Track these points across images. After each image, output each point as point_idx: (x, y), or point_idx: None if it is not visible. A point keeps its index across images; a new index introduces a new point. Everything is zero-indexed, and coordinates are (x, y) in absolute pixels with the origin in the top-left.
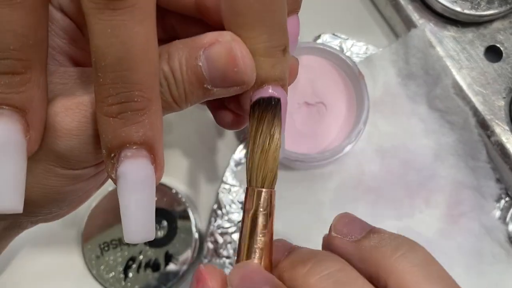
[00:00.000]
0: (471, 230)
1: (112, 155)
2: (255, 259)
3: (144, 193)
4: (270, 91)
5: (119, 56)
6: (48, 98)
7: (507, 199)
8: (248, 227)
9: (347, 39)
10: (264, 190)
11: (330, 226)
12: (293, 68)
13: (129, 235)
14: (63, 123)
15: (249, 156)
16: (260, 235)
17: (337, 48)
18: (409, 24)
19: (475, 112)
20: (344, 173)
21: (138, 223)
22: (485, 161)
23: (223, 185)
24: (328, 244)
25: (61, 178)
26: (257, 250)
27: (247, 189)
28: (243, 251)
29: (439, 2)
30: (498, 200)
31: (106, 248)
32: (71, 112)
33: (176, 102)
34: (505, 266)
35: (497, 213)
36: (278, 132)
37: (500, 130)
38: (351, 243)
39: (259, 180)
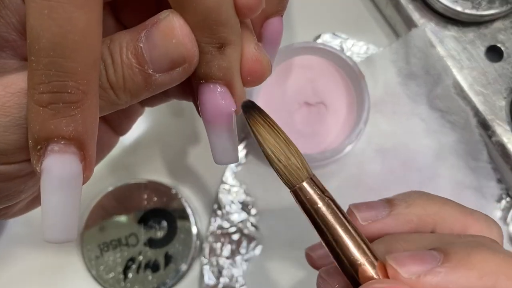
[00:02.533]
0: None
1: (39, 147)
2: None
3: (68, 191)
4: (211, 86)
5: (54, 41)
6: None
7: (508, 199)
8: (333, 227)
9: (348, 38)
10: (307, 180)
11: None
12: (252, 64)
13: (47, 235)
14: None
15: (273, 161)
16: (347, 224)
17: (338, 48)
18: (410, 24)
19: (476, 112)
20: (344, 173)
21: (58, 223)
22: (486, 161)
23: (223, 186)
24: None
25: None
26: (364, 248)
27: (294, 193)
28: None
29: (440, 2)
30: (499, 200)
31: (105, 249)
32: None
33: (113, 89)
34: None
35: (498, 214)
36: (271, 122)
37: (501, 130)
38: (387, 219)
39: (299, 174)
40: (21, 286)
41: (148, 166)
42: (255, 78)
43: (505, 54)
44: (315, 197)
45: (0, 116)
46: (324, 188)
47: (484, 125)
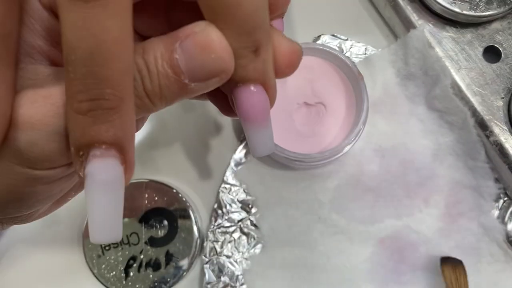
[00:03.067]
0: (469, 229)
1: (81, 153)
2: None
3: (112, 194)
4: (249, 88)
5: (90, 50)
6: (14, 94)
7: (505, 199)
8: None
9: (347, 39)
10: None
11: None
12: (290, 57)
13: (95, 236)
14: (25, 116)
15: None
16: None
17: (337, 48)
18: (408, 25)
19: (474, 112)
20: (343, 173)
21: (105, 224)
22: (483, 161)
23: (223, 185)
24: None
25: (20, 177)
26: None
27: None
28: None
29: (438, 3)
30: (497, 200)
31: (107, 247)
32: (37, 104)
33: (149, 97)
34: (503, 266)
35: (496, 213)
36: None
37: (499, 130)
38: None
39: None
40: (23, 285)
41: (149, 166)
42: (293, 68)
43: (503, 55)
44: None
45: (43, 126)
46: None
47: (482, 125)
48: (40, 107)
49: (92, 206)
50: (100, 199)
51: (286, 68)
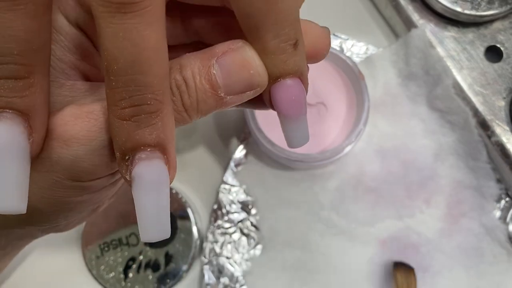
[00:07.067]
0: (471, 230)
1: (127, 157)
2: None
3: (159, 193)
4: (288, 82)
5: (131, 59)
6: (49, 102)
7: (507, 199)
8: None
9: (347, 39)
10: None
11: None
12: (321, 42)
13: (146, 235)
14: (72, 132)
15: None
16: None
17: (337, 48)
18: (410, 25)
19: (476, 112)
20: (344, 173)
21: (154, 223)
22: (485, 161)
23: (223, 185)
24: None
25: (68, 189)
26: None
27: None
28: None
29: (440, 3)
30: (499, 200)
31: (106, 249)
32: (81, 121)
33: (187, 111)
34: (505, 266)
35: (498, 213)
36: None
37: (501, 130)
38: None
39: None
40: (22, 286)
41: None
42: (326, 51)
43: (504, 55)
44: None
45: (88, 140)
46: None
47: (484, 125)
48: (84, 122)
49: (142, 206)
50: (149, 199)
51: (321, 52)
